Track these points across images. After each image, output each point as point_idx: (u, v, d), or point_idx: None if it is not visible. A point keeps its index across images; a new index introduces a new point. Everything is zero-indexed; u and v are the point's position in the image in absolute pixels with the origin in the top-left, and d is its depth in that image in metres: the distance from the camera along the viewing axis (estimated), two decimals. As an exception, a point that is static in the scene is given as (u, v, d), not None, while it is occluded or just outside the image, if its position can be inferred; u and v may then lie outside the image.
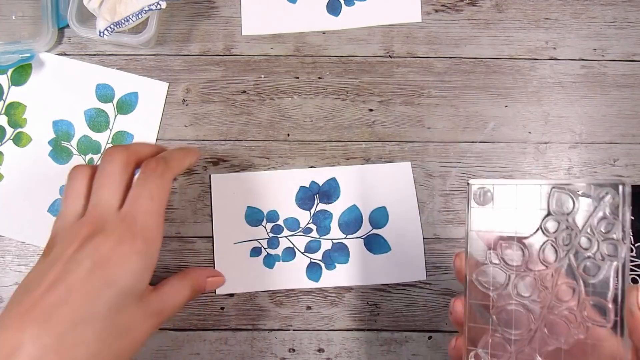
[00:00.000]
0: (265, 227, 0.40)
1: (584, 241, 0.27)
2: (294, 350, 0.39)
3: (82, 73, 0.41)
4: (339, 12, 0.43)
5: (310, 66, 0.42)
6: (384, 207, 0.40)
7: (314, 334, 0.39)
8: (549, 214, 0.27)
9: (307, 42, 0.43)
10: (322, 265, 0.39)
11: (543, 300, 0.27)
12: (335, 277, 0.39)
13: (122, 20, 0.38)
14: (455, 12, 0.43)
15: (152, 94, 0.41)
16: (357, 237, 0.39)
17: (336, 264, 0.39)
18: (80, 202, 0.31)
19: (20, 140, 0.40)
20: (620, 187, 0.26)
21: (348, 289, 0.39)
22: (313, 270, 0.39)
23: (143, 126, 0.41)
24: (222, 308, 0.39)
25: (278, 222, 0.40)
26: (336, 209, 0.40)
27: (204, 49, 0.42)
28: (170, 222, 0.40)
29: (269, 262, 0.39)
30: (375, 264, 0.39)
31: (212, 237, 0.40)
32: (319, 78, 0.42)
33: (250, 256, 0.39)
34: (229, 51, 0.43)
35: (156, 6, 0.37)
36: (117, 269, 0.28)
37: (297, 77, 0.42)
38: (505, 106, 0.42)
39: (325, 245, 0.39)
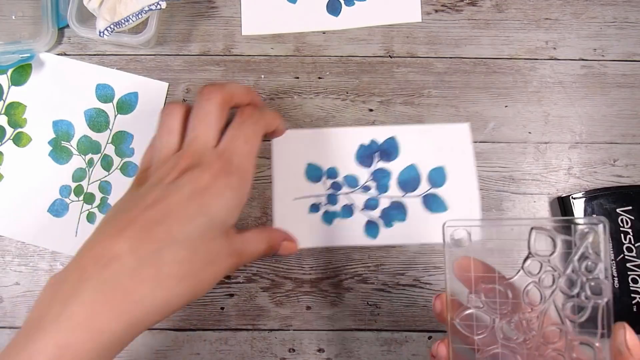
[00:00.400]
0: (324, 184, 0.40)
1: (568, 282, 0.27)
2: (294, 350, 0.39)
3: (82, 73, 0.41)
4: (339, 12, 0.43)
5: (310, 66, 0.42)
6: (442, 167, 0.40)
7: (314, 334, 0.39)
8: (530, 255, 0.27)
9: (307, 42, 0.43)
10: (380, 222, 0.40)
11: (530, 342, 0.26)
12: (393, 235, 0.39)
13: (122, 20, 0.38)
14: (455, 12, 0.43)
15: (152, 94, 0.41)
16: (415, 196, 0.40)
17: (394, 222, 0.39)
18: (176, 137, 0.32)
19: (20, 140, 0.40)
20: (600, 226, 0.26)
21: (348, 289, 0.39)
22: (371, 228, 0.39)
23: (143, 126, 0.41)
24: (222, 308, 0.39)
25: (337, 179, 0.40)
26: (395, 167, 0.40)
27: (204, 49, 0.42)
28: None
29: (328, 218, 0.40)
30: (432, 222, 0.39)
31: (272, 192, 0.40)
32: (319, 78, 0.42)
33: (309, 212, 0.40)
34: (229, 51, 0.43)
35: (156, 6, 0.37)
36: (212, 200, 0.29)
37: (297, 77, 0.42)
38: (506, 106, 0.42)
39: (384, 203, 0.40)
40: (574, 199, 0.38)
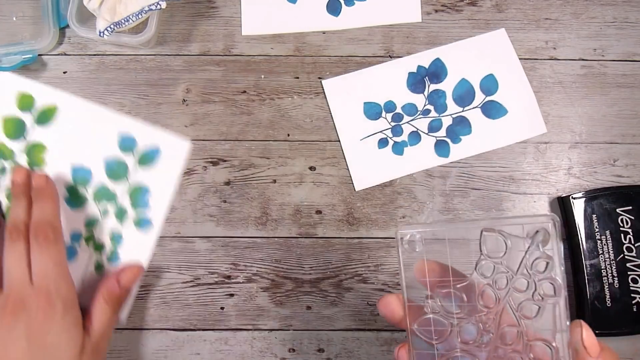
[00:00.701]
0: (385, 118, 0.41)
1: (522, 282, 0.26)
2: (294, 350, 0.39)
3: (106, 120, 0.39)
4: (339, 12, 0.43)
5: (310, 66, 0.42)
6: (492, 74, 0.41)
7: (314, 334, 0.39)
8: (482, 257, 0.26)
9: (307, 42, 0.43)
10: (449, 141, 0.41)
11: (488, 344, 0.26)
12: (463, 149, 0.41)
13: (122, 20, 0.38)
14: (455, 12, 0.43)
15: (173, 151, 0.38)
16: (474, 107, 0.41)
17: (461, 137, 0.41)
18: (21, 270, 0.33)
19: None
20: (551, 224, 0.25)
21: (348, 289, 0.39)
22: (441, 148, 0.41)
23: (161, 182, 0.38)
24: (222, 308, 0.39)
25: (397, 111, 0.41)
26: (447, 85, 0.41)
27: (204, 49, 0.43)
28: (170, 222, 0.40)
29: (398, 149, 0.41)
30: (497, 128, 0.41)
31: (338, 139, 0.41)
32: (319, 78, 0.42)
33: (379, 148, 0.41)
34: (229, 51, 0.43)
35: (156, 6, 0.37)
36: (49, 337, 0.31)
37: (297, 77, 0.42)
38: (505, 106, 0.42)
39: (446, 121, 0.41)
40: (574, 199, 0.38)
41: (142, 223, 0.39)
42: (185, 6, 0.43)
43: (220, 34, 0.43)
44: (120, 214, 0.39)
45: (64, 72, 0.42)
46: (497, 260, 0.26)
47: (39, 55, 0.42)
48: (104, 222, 0.39)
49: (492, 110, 0.41)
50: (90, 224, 0.39)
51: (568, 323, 0.25)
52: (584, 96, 0.42)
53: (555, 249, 0.25)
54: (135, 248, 0.39)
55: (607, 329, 0.37)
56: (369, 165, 0.40)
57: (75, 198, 0.39)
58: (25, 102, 0.38)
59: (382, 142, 0.41)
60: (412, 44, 0.43)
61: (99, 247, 0.39)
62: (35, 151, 0.39)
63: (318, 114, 0.42)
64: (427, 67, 0.42)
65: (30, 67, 0.42)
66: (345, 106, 0.41)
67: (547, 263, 0.26)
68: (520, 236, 0.26)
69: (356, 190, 0.40)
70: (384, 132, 0.41)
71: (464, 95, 0.41)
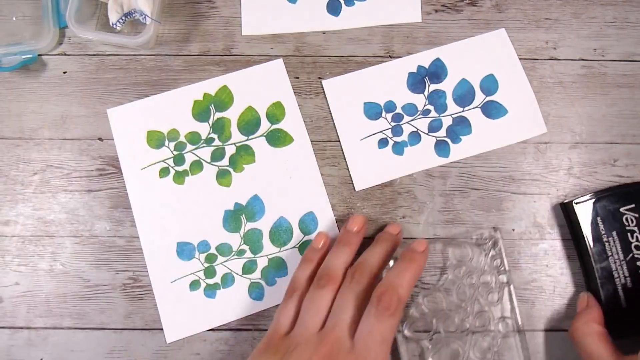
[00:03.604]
0: (385, 118, 0.41)
1: (485, 278, 0.37)
2: (293, 350, 0.39)
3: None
4: (339, 12, 0.43)
5: (310, 66, 0.42)
6: (492, 74, 0.42)
7: (314, 334, 0.39)
8: (450, 264, 0.38)
9: (307, 42, 0.43)
10: (449, 141, 0.41)
11: (467, 330, 0.36)
12: (463, 149, 0.41)
13: (132, 12, 0.40)
14: (455, 12, 0.43)
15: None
16: (474, 108, 0.41)
17: (461, 137, 0.41)
18: (322, 316, 0.32)
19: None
20: (498, 232, 0.38)
21: (348, 289, 0.39)
22: (441, 148, 0.41)
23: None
24: (222, 308, 0.39)
25: (397, 111, 0.41)
26: (447, 86, 0.42)
27: (204, 49, 0.43)
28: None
29: (398, 149, 0.41)
30: (497, 128, 0.41)
31: (338, 139, 0.41)
32: (319, 78, 0.42)
33: (379, 148, 0.41)
34: (229, 51, 0.43)
35: (144, 18, 0.39)
36: None
37: (297, 77, 0.42)
38: (506, 106, 0.42)
39: (447, 121, 0.41)
40: (576, 204, 0.38)
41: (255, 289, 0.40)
42: (185, 6, 0.43)
43: (220, 34, 0.43)
44: (248, 265, 0.40)
45: (64, 72, 0.42)
46: (467, 264, 0.38)
47: (39, 55, 0.42)
48: (232, 256, 0.40)
49: (492, 110, 0.41)
50: (222, 249, 0.40)
51: (515, 301, 0.37)
52: (584, 96, 0.42)
53: (502, 248, 0.38)
54: None
55: (625, 331, 0.35)
56: (369, 165, 0.40)
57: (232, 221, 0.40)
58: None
59: (382, 142, 0.41)
60: (412, 44, 0.43)
61: (210, 272, 0.40)
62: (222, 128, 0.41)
63: (318, 114, 0.42)
64: (427, 67, 0.42)
65: (30, 67, 0.42)
66: (345, 106, 0.41)
67: (500, 259, 0.38)
68: (476, 244, 0.38)
69: (356, 190, 0.40)
70: (384, 132, 0.41)
71: (464, 95, 0.41)
